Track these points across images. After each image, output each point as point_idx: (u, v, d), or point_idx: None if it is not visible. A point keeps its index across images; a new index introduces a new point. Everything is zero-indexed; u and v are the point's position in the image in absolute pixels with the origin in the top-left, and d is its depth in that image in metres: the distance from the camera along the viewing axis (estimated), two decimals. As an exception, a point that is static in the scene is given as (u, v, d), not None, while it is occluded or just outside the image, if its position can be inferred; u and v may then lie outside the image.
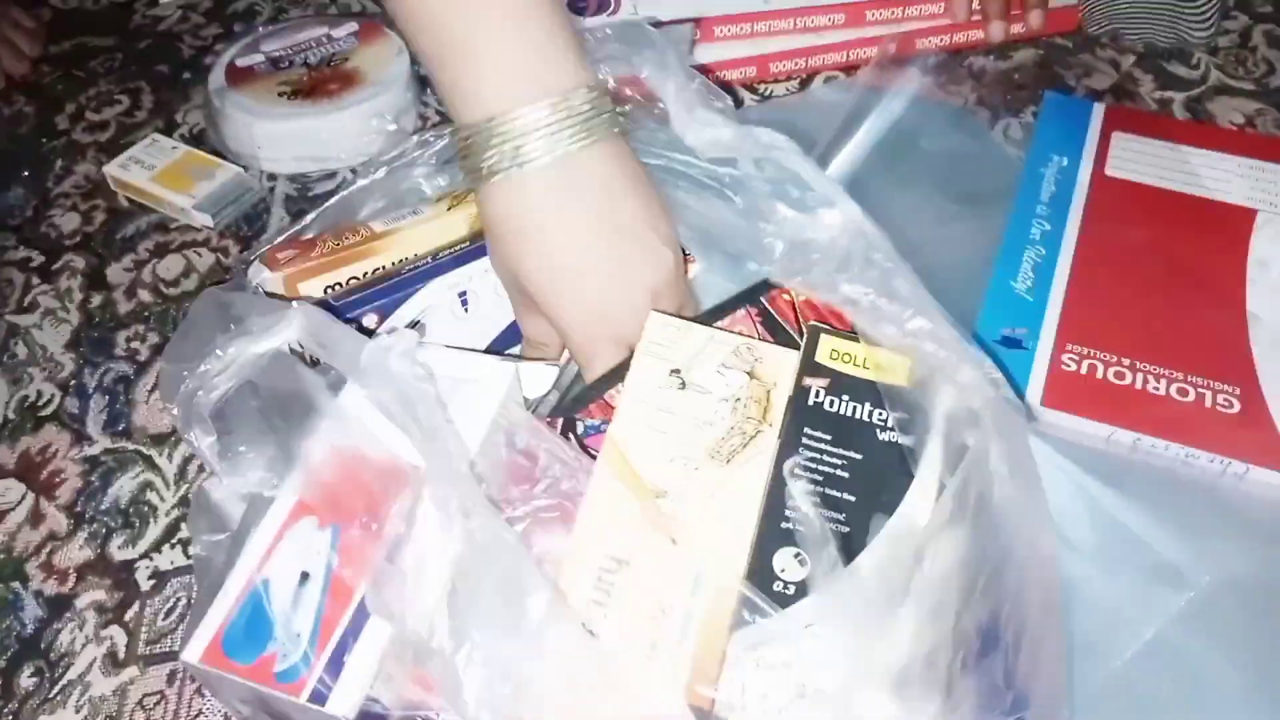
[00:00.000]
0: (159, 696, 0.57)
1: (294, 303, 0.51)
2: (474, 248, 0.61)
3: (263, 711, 0.48)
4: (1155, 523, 0.55)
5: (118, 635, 0.60)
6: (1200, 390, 0.61)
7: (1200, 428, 0.59)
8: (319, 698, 0.44)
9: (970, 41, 0.90)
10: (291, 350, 0.52)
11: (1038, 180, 0.75)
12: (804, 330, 0.54)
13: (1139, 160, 0.75)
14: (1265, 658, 0.52)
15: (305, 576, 0.47)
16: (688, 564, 0.45)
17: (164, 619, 0.60)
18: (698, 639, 0.44)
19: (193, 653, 0.46)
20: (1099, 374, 0.63)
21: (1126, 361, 0.63)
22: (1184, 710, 0.51)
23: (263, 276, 0.61)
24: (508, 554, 0.42)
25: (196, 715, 0.56)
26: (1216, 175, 0.73)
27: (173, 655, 0.59)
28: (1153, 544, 0.54)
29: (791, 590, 0.45)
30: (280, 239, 0.65)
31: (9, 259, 0.81)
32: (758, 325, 0.57)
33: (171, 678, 0.58)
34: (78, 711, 0.57)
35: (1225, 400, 0.60)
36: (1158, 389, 0.61)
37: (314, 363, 0.53)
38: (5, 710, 0.57)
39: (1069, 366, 0.63)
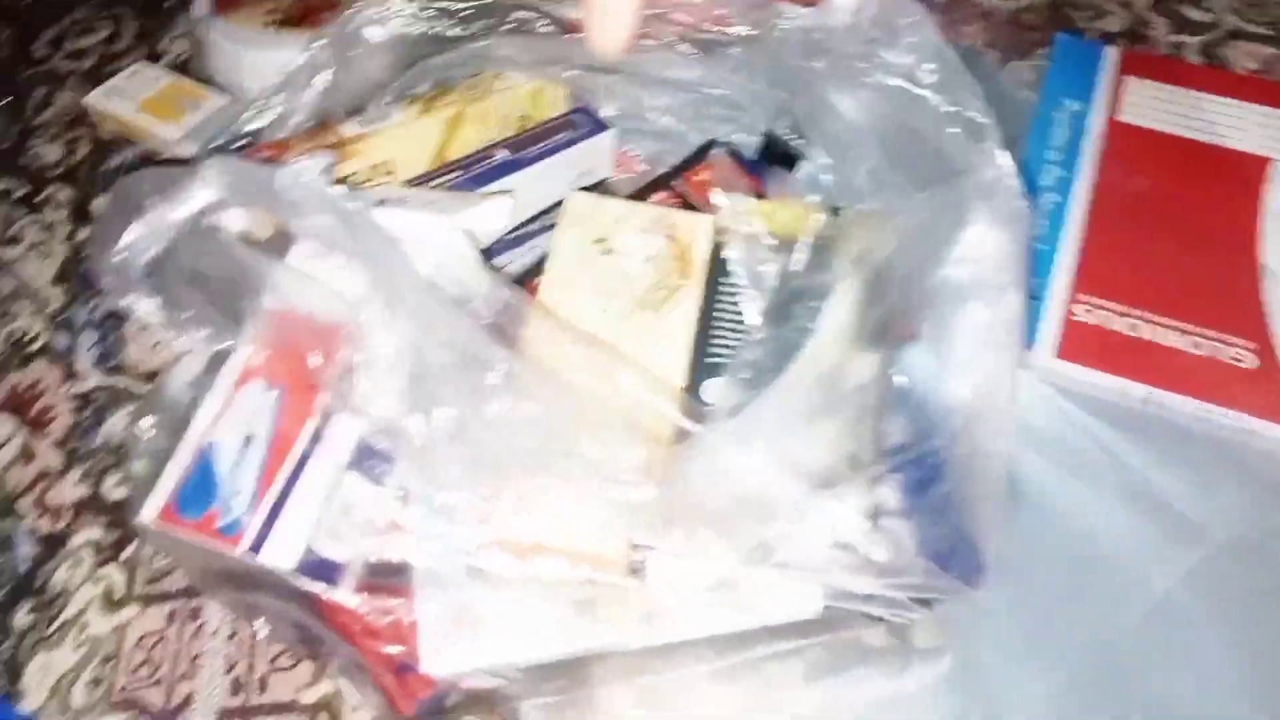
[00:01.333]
0: (158, 636, 0.57)
1: (206, 160, 0.50)
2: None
3: (222, 578, 0.51)
4: (1168, 478, 0.55)
5: (115, 574, 0.59)
6: (1214, 344, 0.60)
7: (1214, 382, 0.59)
8: (255, 547, 0.46)
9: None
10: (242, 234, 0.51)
11: (1049, 125, 0.73)
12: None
13: (1153, 106, 0.74)
14: (1269, 618, 0.52)
15: (250, 438, 0.48)
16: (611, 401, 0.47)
17: (162, 558, 0.59)
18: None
19: (148, 514, 0.47)
20: (1111, 325, 0.62)
21: (1139, 313, 0.62)
22: (1184, 668, 0.52)
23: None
24: (463, 332, 0.42)
25: (196, 656, 0.56)
26: (1231, 123, 0.72)
27: (171, 595, 0.58)
28: (1167, 498, 0.54)
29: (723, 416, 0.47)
30: (246, 142, 0.62)
31: (-8, 190, 0.79)
32: (676, 205, 0.59)
33: (171, 617, 0.57)
34: (76, 650, 0.57)
35: (1238, 355, 0.60)
36: (1171, 342, 0.61)
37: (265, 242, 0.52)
38: (2, 647, 0.57)
39: (1081, 317, 0.62)
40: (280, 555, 0.45)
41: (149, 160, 0.79)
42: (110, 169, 0.79)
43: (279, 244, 0.52)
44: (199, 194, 0.47)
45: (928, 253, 0.45)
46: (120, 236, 0.47)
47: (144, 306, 0.49)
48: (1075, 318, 0.62)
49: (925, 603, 0.49)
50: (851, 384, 0.47)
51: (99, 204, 0.77)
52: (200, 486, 0.47)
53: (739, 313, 0.51)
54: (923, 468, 0.46)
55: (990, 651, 0.53)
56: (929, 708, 0.52)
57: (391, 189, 0.55)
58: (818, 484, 0.44)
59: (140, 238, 0.47)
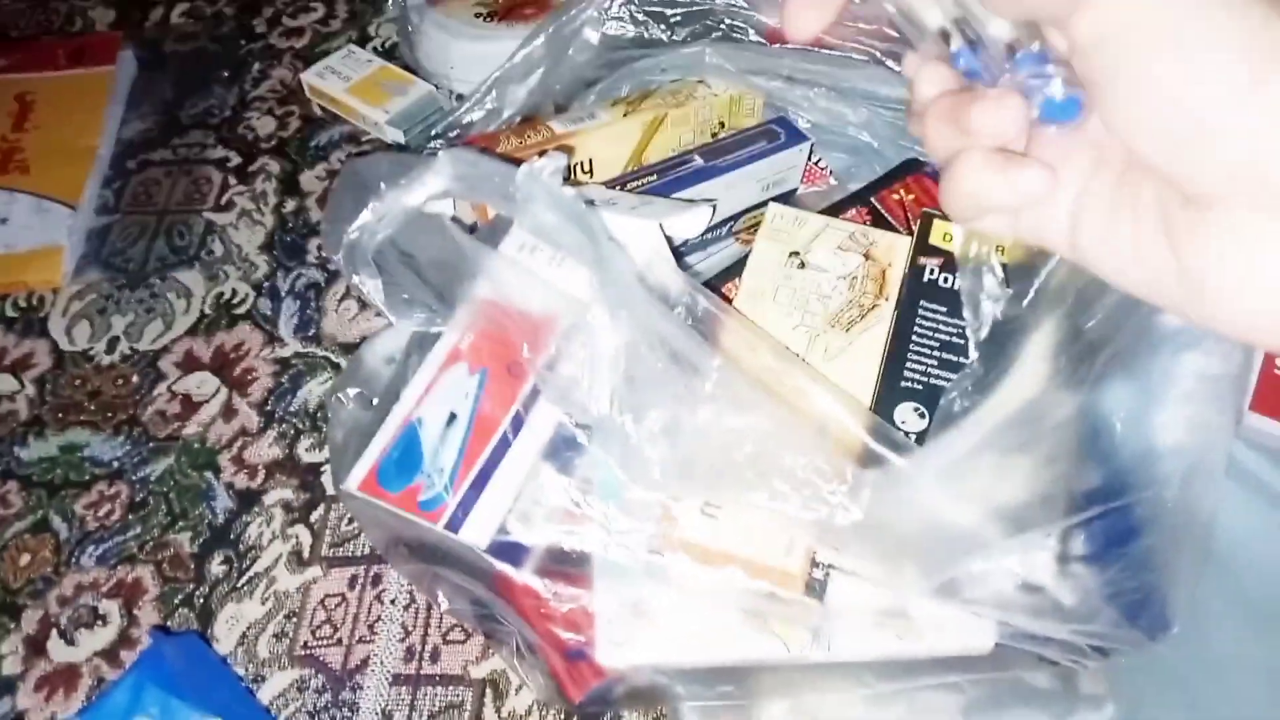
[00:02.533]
0: (340, 598, 0.60)
1: (440, 151, 0.52)
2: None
3: (409, 549, 0.52)
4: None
5: (303, 534, 0.63)
6: None
7: None
8: (454, 525, 0.48)
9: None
10: (455, 220, 0.54)
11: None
12: (913, 223, 0.58)
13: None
14: None
15: (453, 417, 0.50)
16: (811, 419, 0.47)
17: (348, 524, 0.62)
18: None
19: (352, 482, 0.50)
20: (1315, 381, 0.59)
21: (1349, 371, 0.59)
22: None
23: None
24: (677, 334, 0.43)
25: (375, 620, 0.59)
26: None
27: (355, 559, 0.61)
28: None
29: (913, 441, 0.47)
30: (448, 126, 0.65)
31: (209, 157, 0.84)
32: (868, 222, 0.59)
33: (353, 582, 0.60)
34: (263, 603, 0.60)
35: None
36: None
37: (471, 229, 0.55)
38: (196, 593, 0.61)
39: (1282, 370, 0.60)
40: (475, 535, 0.47)
41: (355, 139, 0.83)
42: (319, 145, 0.83)
43: (488, 235, 0.54)
44: (433, 182, 0.49)
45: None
46: (353, 216, 0.50)
47: (370, 285, 0.51)
48: (1277, 370, 0.60)
49: (1103, 652, 0.48)
50: (1050, 422, 0.46)
51: (306, 177, 0.81)
52: (404, 460, 0.49)
53: (939, 338, 0.51)
54: (1123, 517, 0.45)
55: (1156, 707, 0.52)
56: (1090, 756, 0.51)
57: (601, 191, 0.56)
58: (1010, 522, 0.44)
59: (373, 220, 0.50)
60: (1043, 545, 0.44)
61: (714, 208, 0.57)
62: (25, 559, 0.63)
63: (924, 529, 0.42)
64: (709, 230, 0.61)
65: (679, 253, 0.61)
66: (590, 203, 0.53)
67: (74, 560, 0.62)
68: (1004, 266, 0.51)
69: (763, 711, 0.53)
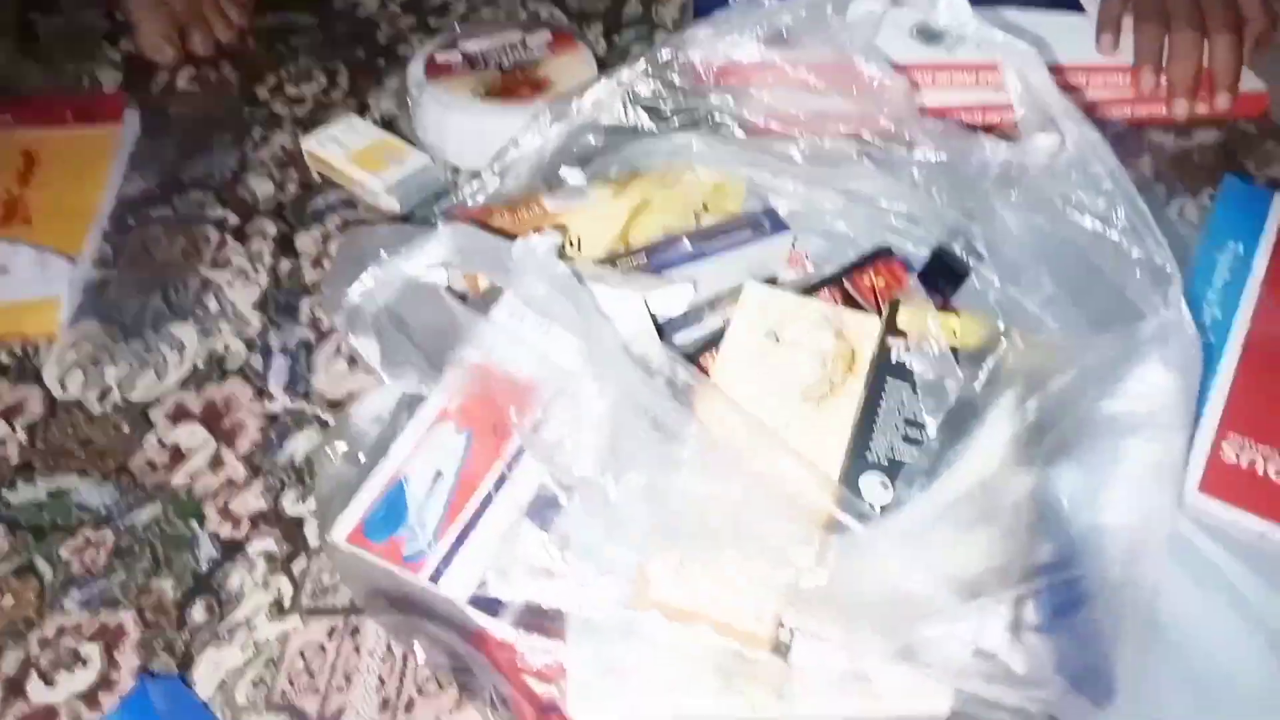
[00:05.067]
0: (318, 648, 0.61)
1: (440, 224, 0.56)
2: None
3: (388, 601, 0.55)
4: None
5: (284, 585, 0.64)
6: (1367, 500, 0.60)
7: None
8: (436, 577, 0.50)
9: (1153, 117, 0.90)
10: (448, 289, 0.57)
11: (1211, 266, 0.74)
12: (882, 306, 0.62)
13: (1319, 257, 0.74)
14: None
15: (439, 474, 0.53)
16: (781, 488, 0.49)
17: (328, 576, 0.64)
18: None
19: (338, 534, 0.52)
20: (1259, 468, 0.62)
21: (1289, 459, 0.63)
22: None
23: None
24: (658, 402, 0.46)
25: (352, 670, 0.60)
26: (1399, 284, 0.72)
27: (334, 610, 0.63)
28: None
29: (877, 512, 0.50)
30: (448, 203, 0.68)
31: (208, 216, 0.87)
32: (839, 303, 0.63)
33: (332, 633, 0.62)
34: (243, 650, 0.61)
35: (1392, 514, 0.60)
36: (1319, 491, 0.61)
37: (462, 298, 0.58)
38: (177, 639, 0.62)
39: (1228, 456, 0.63)
40: (456, 587, 0.50)
41: (351, 205, 0.86)
42: (316, 209, 0.86)
43: (480, 305, 0.57)
44: (433, 252, 0.52)
45: (1098, 384, 0.47)
46: (353, 280, 0.53)
47: (366, 346, 0.54)
48: (1222, 455, 0.63)
49: (1052, 718, 0.51)
50: (1004, 498, 0.49)
51: (302, 239, 0.84)
52: (389, 514, 0.52)
53: (903, 415, 0.54)
54: (1071, 589, 0.48)
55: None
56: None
57: (590, 266, 0.60)
58: (965, 591, 0.47)
59: (373, 285, 0.53)
60: (996, 613, 0.47)
61: (695, 286, 0.60)
62: (9, 601, 0.64)
63: (884, 595, 0.45)
64: (691, 309, 0.64)
65: (661, 328, 0.64)
66: (579, 277, 0.56)
67: (57, 603, 0.63)
68: (955, 351, 0.55)
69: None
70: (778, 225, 0.66)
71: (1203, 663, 0.56)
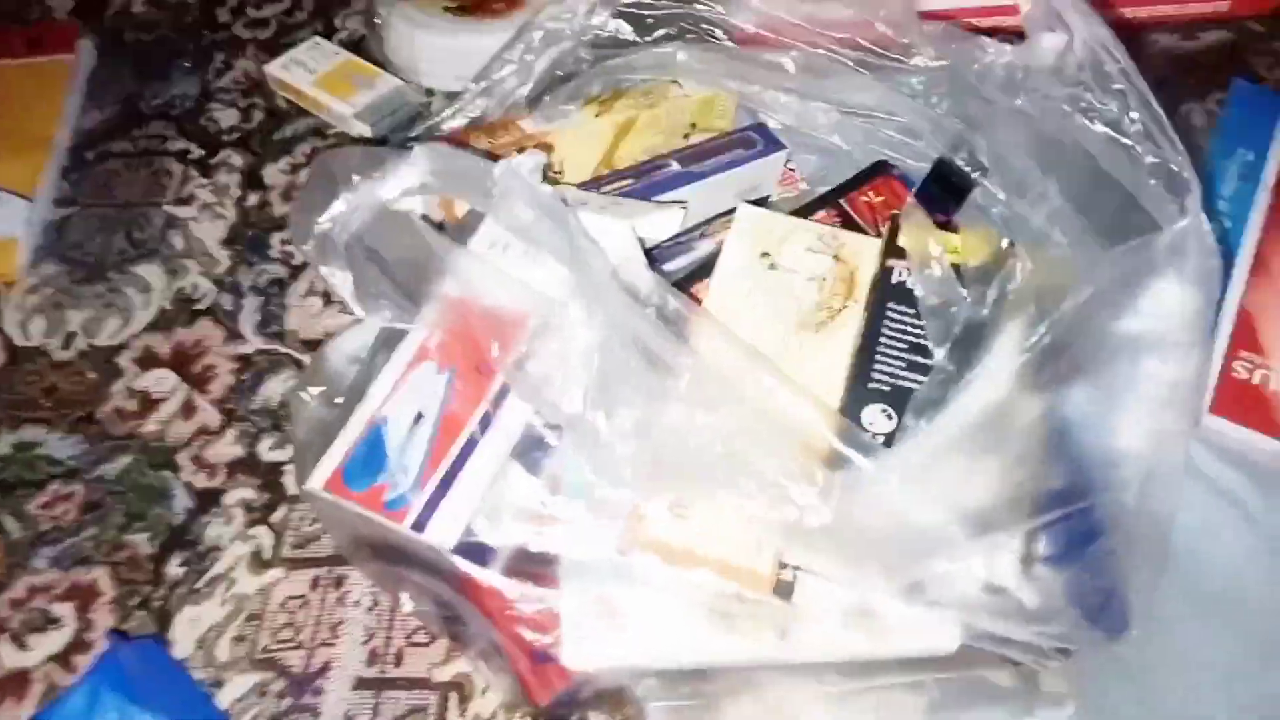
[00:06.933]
0: (302, 600, 0.59)
1: (417, 144, 0.52)
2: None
3: (372, 550, 0.52)
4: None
5: (264, 535, 0.62)
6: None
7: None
8: (420, 525, 0.48)
9: (1155, 16, 0.86)
10: (424, 217, 0.54)
11: (1220, 173, 0.71)
12: (882, 226, 0.58)
13: (1334, 161, 0.71)
14: None
15: (420, 416, 0.50)
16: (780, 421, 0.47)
17: (310, 525, 0.62)
18: None
19: (316, 481, 0.49)
20: (1269, 385, 0.60)
21: (1303, 377, 0.60)
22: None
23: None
24: (651, 332, 0.44)
25: (338, 623, 0.58)
26: None
27: (318, 560, 0.60)
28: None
29: (880, 441, 0.48)
30: (425, 129, 0.64)
31: (170, 149, 0.82)
32: (837, 224, 0.59)
33: (315, 583, 0.60)
34: (223, 605, 0.59)
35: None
36: (1334, 410, 0.59)
37: (439, 227, 0.55)
38: (154, 595, 0.60)
39: (1239, 374, 0.61)
40: (441, 535, 0.47)
41: (320, 132, 0.82)
42: (283, 138, 0.82)
43: (458, 233, 0.54)
44: (408, 175, 0.49)
45: (1112, 302, 0.44)
46: (324, 207, 0.49)
47: (338, 277, 0.51)
48: (1233, 374, 0.61)
49: (1064, 651, 0.49)
50: (1015, 425, 0.47)
51: (270, 171, 0.80)
52: (369, 460, 0.49)
53: (907, 340, 0.51)
54: (1085, 519, 0.45)
55: (1117, 703, 0.53)
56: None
57: (574, 191, 0.56)
58: (975, 524, 0.44)
59: (344, 212, 0.49)
60: (1006, 547, 0.45)
61: (685, 210, 0.57)
62: (-23, 559, 0.61)
63: (891, 530, 0.43)
64: (681, 234, 0.61)
65: (650, 255, 0.61)
66: (564, 202, 0.53)
67: (27, 562, 0.61)
68: (956, 269, 0.52)
69: (729, 711, 0.53)
70: (771, 143, 0.62)
71: (1214, 586, 0.55)
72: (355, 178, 0.50)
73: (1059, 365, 0.46)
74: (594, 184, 0.59)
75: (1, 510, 0.63)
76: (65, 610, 0.59)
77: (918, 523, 0.43)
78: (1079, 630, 0.47)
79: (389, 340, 0.55)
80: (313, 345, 0.70)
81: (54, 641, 0.58)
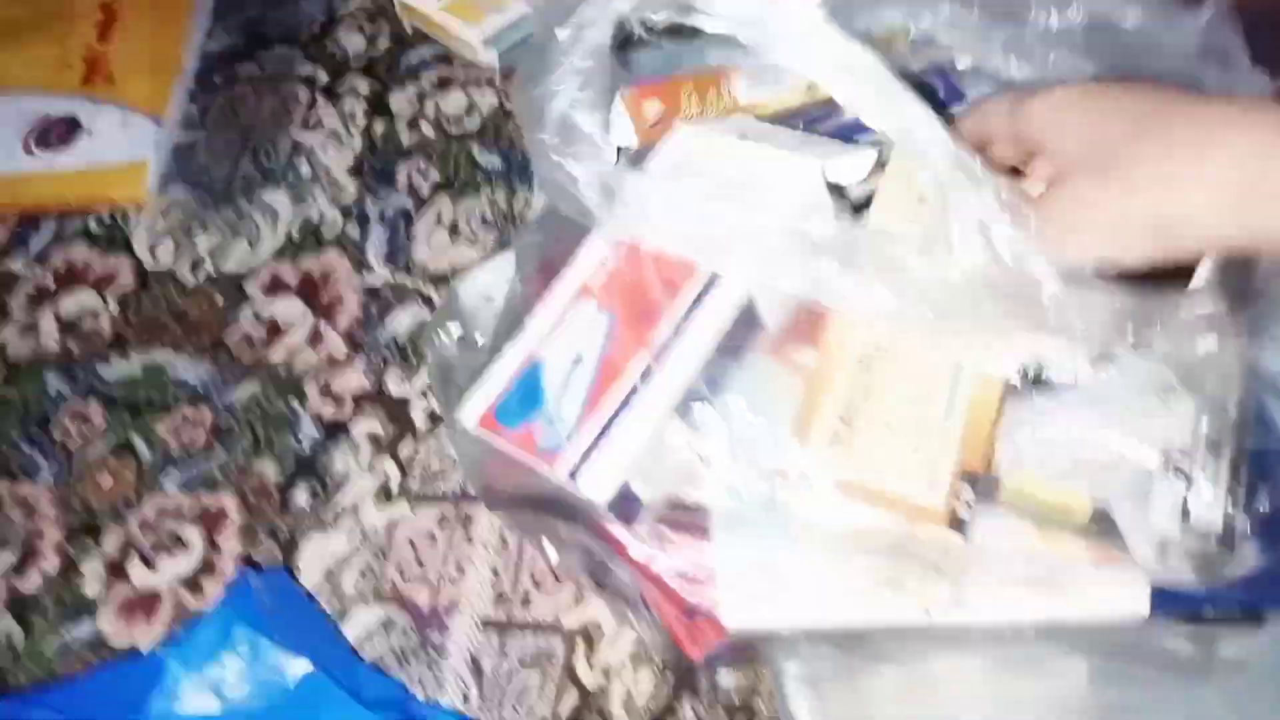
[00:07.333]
0: (428, 537, 0.57)
1: None
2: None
3: (515, 494, 0.49)
4: None
5: (391, 469, 0.60)
6: None
7: None
8: (574, 474, 0.44)
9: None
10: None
11: None
12: None
13: None
14: None
15: (579, 359, 0.46)
16: (948, 355, 0.44)
17: (438, 462, 0.60)
18: (964, 419, 0.43)
19: (469, 417, 0.46)
20: None
21: None
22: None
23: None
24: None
25: (465, 561, 0.56)
26: None
27: (444, 498, 0.59)
28: None
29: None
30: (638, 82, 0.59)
31: (296, 73, 0.80)
32: None
33: (442, 522, 0.58)
34: (349, 538, 0.58)
35: None
36: None
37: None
38: (282, 525, 0.58)
39: None
40: (596, 487, 0.44)
41: (447, 60, 0.79)
42: (409, 65, 0.79)
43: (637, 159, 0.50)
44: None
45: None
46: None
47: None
48: None
49: (1257, 618, 0.45)
50: (1201, 353, 0.42)
51: (396, 99, 0.77)
52: (524, 400, 0.46)
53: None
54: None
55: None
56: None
57: (756, 124, 0.52)
58: (1169, 462, 0.42)
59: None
60: (1200, 486, 0.42)
61: (879, 152, 0.52)
62: (107, 480, 0.61)
63: (1071, 461, 0.41)
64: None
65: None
66: (744, 136, 0.49)
67: (156, 483, 0.60)
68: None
69: (868, 684, 0.50)
70: (952, 94, 0.56)
71: None
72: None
73: (1255, 310, 0.42)
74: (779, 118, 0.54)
75: (132, 431, 0.62)
76: (193, 534, 0.58)
77: (1098, 448, 0.41)
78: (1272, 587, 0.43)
79: (523, 276, 0.52)
80: (439, 279, 0.67)
81: (182, 564, 0.57)
